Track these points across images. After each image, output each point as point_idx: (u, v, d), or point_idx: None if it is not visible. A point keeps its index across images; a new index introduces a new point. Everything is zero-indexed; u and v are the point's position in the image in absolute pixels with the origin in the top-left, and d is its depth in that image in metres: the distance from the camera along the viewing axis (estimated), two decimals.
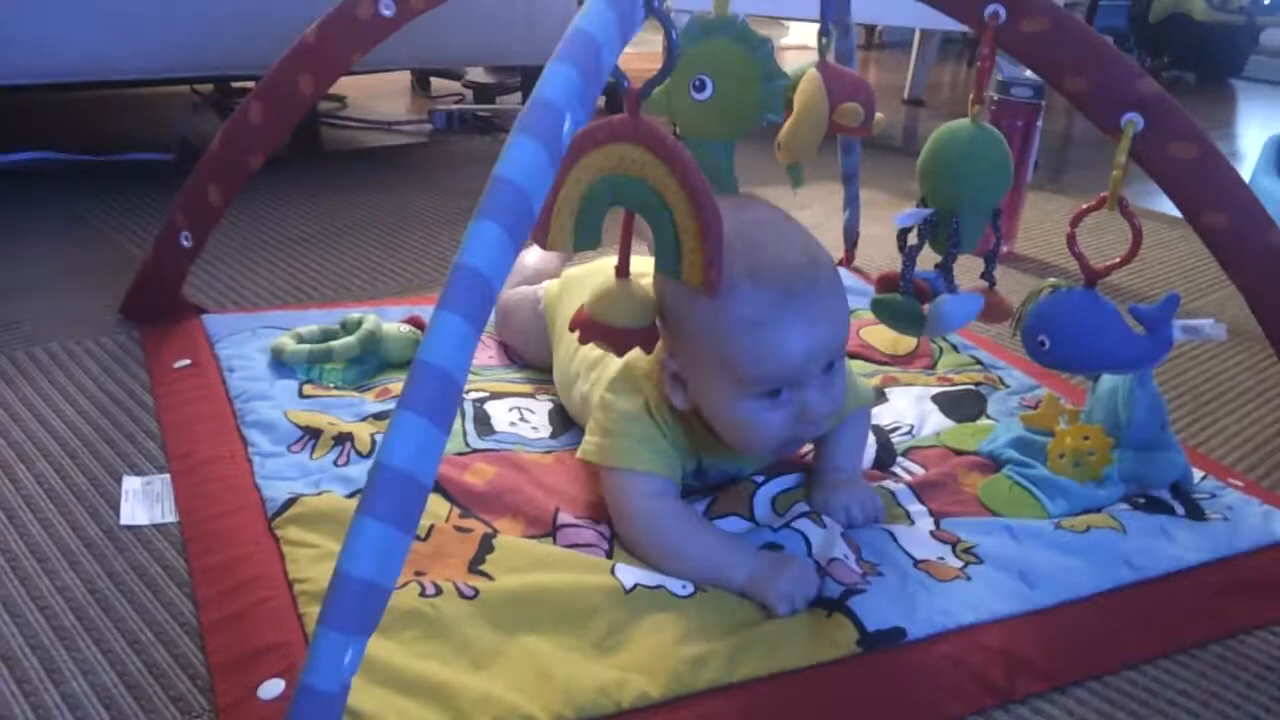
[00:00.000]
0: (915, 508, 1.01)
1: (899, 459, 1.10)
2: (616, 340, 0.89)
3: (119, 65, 1.68)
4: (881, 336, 1.34)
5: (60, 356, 1.19)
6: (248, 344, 1.19)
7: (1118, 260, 0.98)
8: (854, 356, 1.31)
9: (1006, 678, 0.81)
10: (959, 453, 1.11)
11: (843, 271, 1.57)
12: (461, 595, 0.81)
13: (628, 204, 0.84)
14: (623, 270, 0.89)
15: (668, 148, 0.80)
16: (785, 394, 0.88)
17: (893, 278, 1.05)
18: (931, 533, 0.97)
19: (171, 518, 0.92)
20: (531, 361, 1.21)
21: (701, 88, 0.94)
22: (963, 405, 1.21)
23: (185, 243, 1.23)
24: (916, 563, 0.92)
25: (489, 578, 0.84)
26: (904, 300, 1.03)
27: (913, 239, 1.03)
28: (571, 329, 0.91)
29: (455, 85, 2.69)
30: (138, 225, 1.61)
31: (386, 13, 1.17)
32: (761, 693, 0.77)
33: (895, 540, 0.95)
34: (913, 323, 1.04)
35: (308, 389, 1.11)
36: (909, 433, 1.15)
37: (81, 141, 1.94)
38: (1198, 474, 1.09)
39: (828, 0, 1.06)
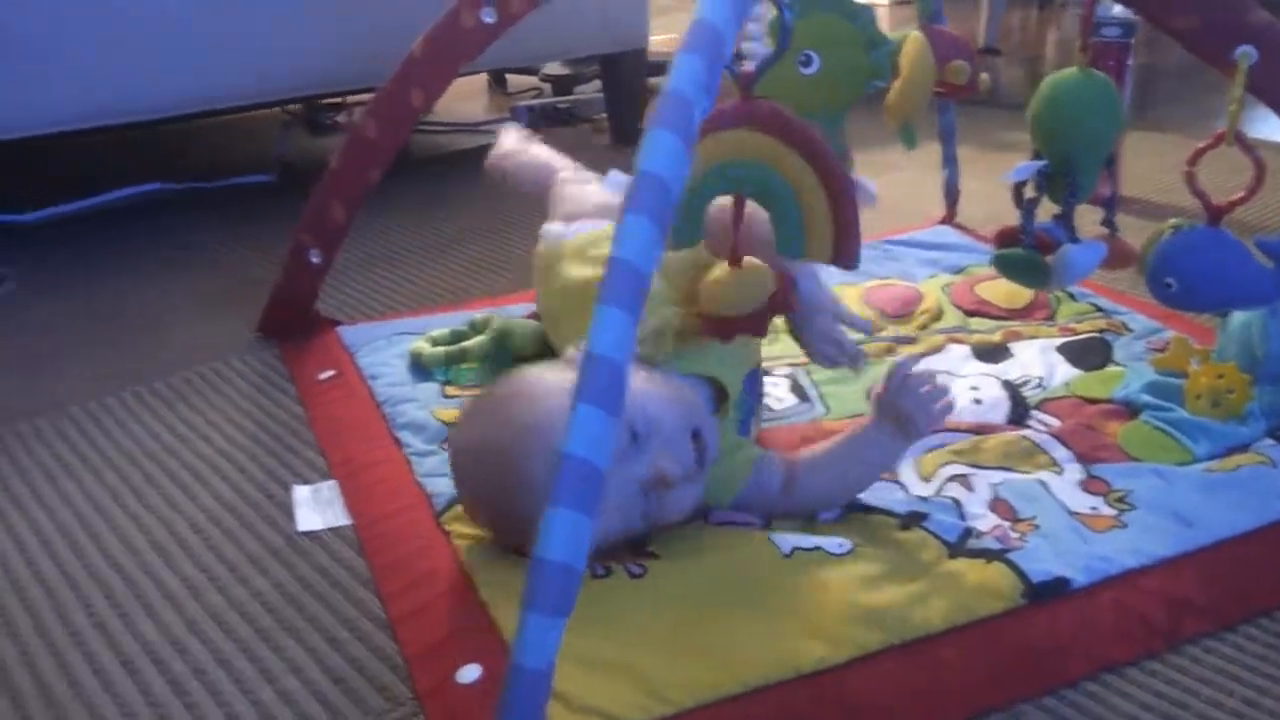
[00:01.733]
0: (1061, 453, 1.02)
1: (1032, 412, 1.11)
2: (726, 328, 0.91)
3: (216, 95, 1.73)
4: (997, 291, 1.34)
5: (210, 378, 1.25)
6: (385, 351, 1.24)
7: (1242, 194, 0.98)
8: (972, 314, 1.31)
9: (1170, 620, 0.83)
10: (1092, 401, 1.11)
11: (948, 229, 1.58)
12: (631, 575, 0.84)
13: (745, 190, 0.86)
14: (736, 260, 0.91)
15: (792, 127, 0.83)
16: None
17: (1011, 232, 1.05)
18: (1081, 484, 0.98)
19: (344, 520, 0.97)
20: None
21: (808, 63, 0.94)
22: (1089, 354, 1.21)
23: (314, 260, 1.28)
24: (1073, 514, 0.93)
25: (655, 556, 0.87)
26: (1026, 254, 1.04)
27: (1029, 191, 1.04)
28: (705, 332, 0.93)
29: (532, 80, 2.72)
30: (250, 247, 1.67)
31: (489, 20, 1.21)
32: (936, 650, 0.79)
33: (1049, 491, 0.97)
34: (1037, 275, 1.04)
35: (449, 389, 1.16)
36: (1038, 385, 1.16)
37: (177, 171, 2.01)
38: None
39: None
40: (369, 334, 1.29)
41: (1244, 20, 0.93)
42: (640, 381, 0.85)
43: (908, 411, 0.91)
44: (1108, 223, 1.04)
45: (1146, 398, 1.09)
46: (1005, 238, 1.06)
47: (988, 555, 0.87)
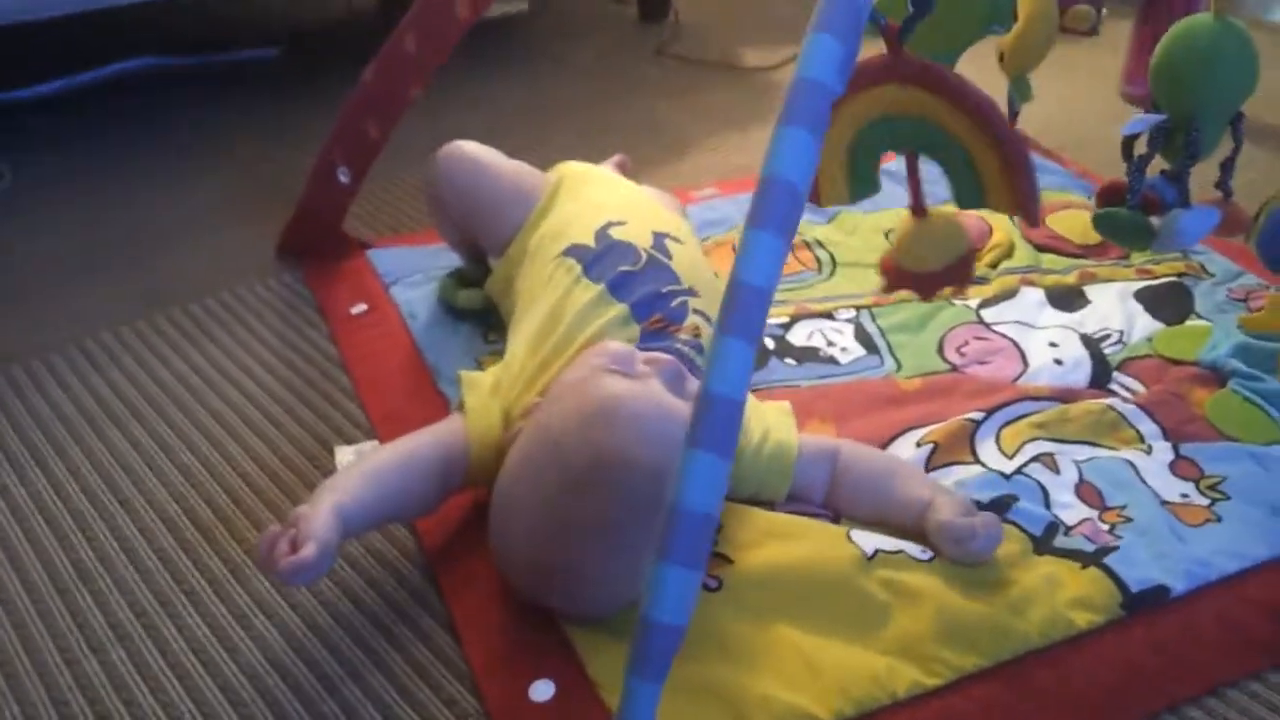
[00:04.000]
0: (1148, 427, 0.97)
1: (1115, 374, 1.04)
2: (926, 284, 0.87)
3: None
4: (1070, 224, 1.26)
5: (234, 307, 1.16)
6: (423, 287, 1.15)
7: None
8: (1044, 249, 1.23)
9: (1276, 633, 0.79)
10: (1176, 363, 1.05)
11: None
12: (707, 589, 0.79)
13: (911, 145, 0.82)
14: (920, 210, 0.85)
15: (950, 85, 0.76)
16: None
17: (1118, 187, 0.97)
18: (1171, 465, 0.93)
19: None
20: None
21: (926, 6, 0.85)
22: (1169, 302, 1.14)
23: (343, 179, 1.19)
24: (1164, 503, 0.88)
25: (727, 560, 0.81)
26: (1131, 214, 0.95)
27: (1141, 147, 0.95)
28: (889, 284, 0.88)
29: None
30: (259, 133, 1.56)
31: None
32: (1033, 671, 0.75)
33: (1138, 473, 0.91)
34: (1141, 238, 0.96)
35: (492, 335, 1.08)
36: (1119, 341, 1.09)
37: (173, 46, 1.86)
38: None
39: None
40: (404, 261, 1.20)
41: None
42: None
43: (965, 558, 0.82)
44: (1222, 185, 0.96)
45: (1235, 363, 1.03)
46: (1110, 194, 0.98)
47: (1082, 558, 0.82)
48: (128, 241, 1.30)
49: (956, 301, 1.14)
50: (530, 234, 1.03)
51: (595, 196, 1.05)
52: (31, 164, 1.48)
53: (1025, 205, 0.77)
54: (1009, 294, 1.16)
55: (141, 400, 1.03)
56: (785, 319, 1.12)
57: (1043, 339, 1.09)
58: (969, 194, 0.80)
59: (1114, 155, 0.94)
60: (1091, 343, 1.09)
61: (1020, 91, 0.93)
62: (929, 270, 0.85)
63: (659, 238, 0.98)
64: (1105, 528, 0.86)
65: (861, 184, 0.82)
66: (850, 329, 1.11)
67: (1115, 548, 0.83)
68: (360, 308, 1.14)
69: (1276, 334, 1.03)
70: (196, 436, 0.98)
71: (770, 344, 1.09)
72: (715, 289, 0.95)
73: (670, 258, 0.96)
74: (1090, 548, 0.83)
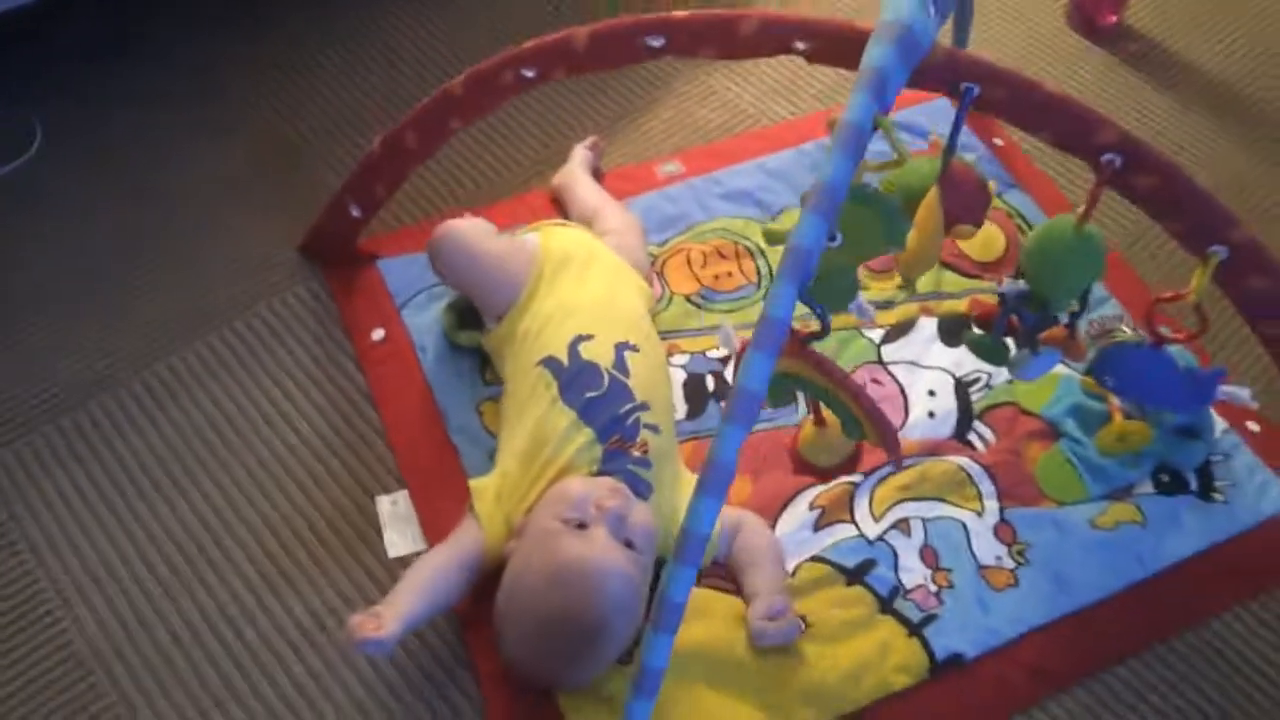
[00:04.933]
0: (987, 487, 1.30)
1: (974, 423, 1.35)
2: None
3: None
4: (973, 243, 1.48)
5: (274, 325, 1.40)
6: (426, 311, 1.40)
7: (1182, 337, 1.16)
8: (947, 265, 1.48)
9: (1029, 686, 1.17)
10: (1026, 413, 1.35)
11: None
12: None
13: (805, 391, 1.10)
14: (820, 421, 1.17)
15: (826, 366, 1.04)
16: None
17: (989, 315, 1.21)
18: (995, 528, 1.26)
19: (423, 544, 1.23)
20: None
21: (833, 238, 1.05)
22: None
23: (355, 214, 1.39)
24: (980, 568, 1.23)
25: None
26: (994, 345, 1.22)
27: (1010, 296, 1.19)
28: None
29: None
30: (266, 64, 1.68)
31: None
32: None
33: (967, 536, 1.25)
34: (1000, 361, 1.23)
35: (488, 375, 1.35)
36: (986, 385, 1.38)
37: None
38: (1220, 425, 1.34)
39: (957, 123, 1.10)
40: (410, 276, 1.42)
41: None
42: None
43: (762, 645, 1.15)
44: (1070, 327, 1.20)
45: (1069, 424, 1.33)
46: (982, 319, 1.23)
47: (909, 626, 1.18)
48: (163, 231, 1.50)
49: (865, 333, 1.41)
50: (517, 321, 1.28)
51: (569, 298, 1.28)
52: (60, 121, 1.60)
53: (885, 445, 1.05)
54: (908, 325, 1.43)
55: (179, 438, 1.30)
56: (726, 353, 1.39)
57: (924, 387, 1.38)
58: (850, 426, 1.08)
59: None
60: (962, 389, 1.38)
61: (907, 288, 1.14)
62: (823, 465, 1.15)
63: (620, 352, 1.24)
64: (934, 590, 1.22)
65: (780, 397, 1.13)
66: None
67: (935, 616, 1.19)
68: (379, 334, 1.39)
69: (1103, 396, 1.33)
70: (243, 477, 1.27)
71: (710, 384, 1.37)
72: (664, 395, 1.26)
73: (628, 375, 1.22)
74: (918, 616, 1.19)
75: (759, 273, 1.48)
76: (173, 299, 1.43)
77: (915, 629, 1.19)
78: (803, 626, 1.16)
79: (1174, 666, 1.19)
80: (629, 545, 1.10)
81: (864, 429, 1.07)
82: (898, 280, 1.46)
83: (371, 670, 1.15)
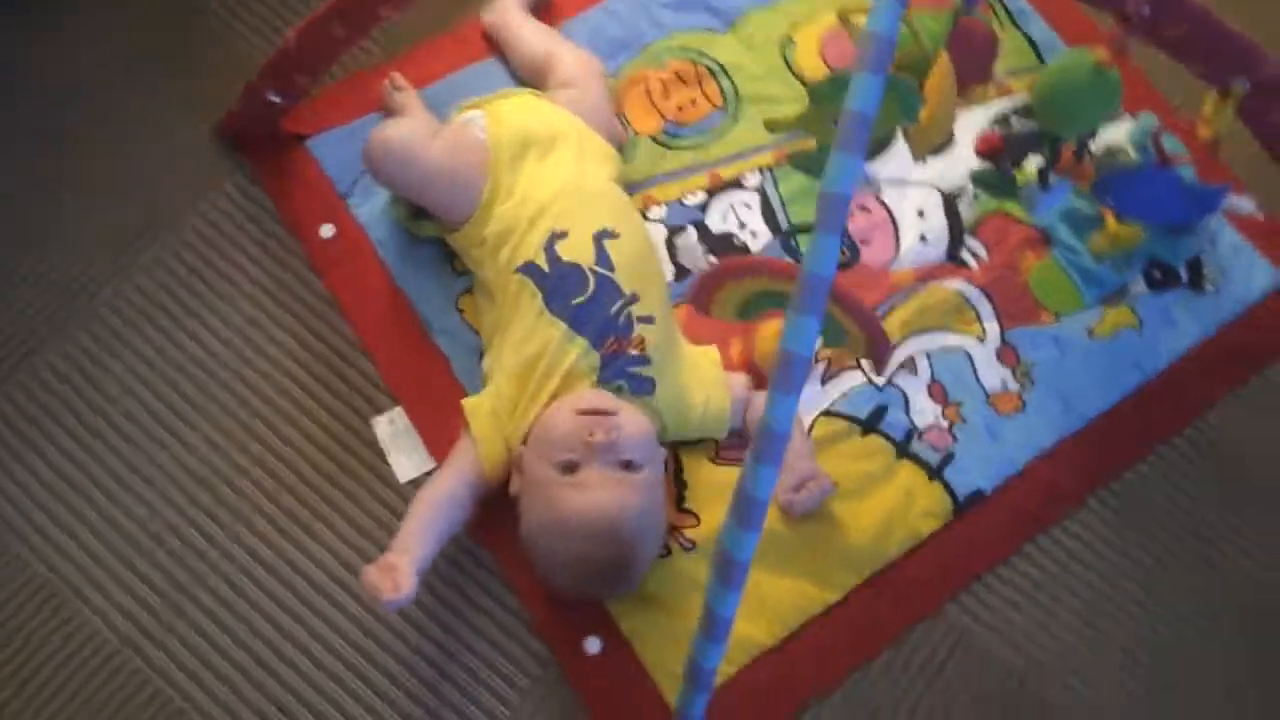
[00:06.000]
0: (986, 309, 1.29)
1: (966, 239, 1.31)
2: None
3: None
4: None
5: (216, 242, 1.27)
6: (375, 196, 1.27)
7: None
8: None
9: (1044, 506, 1.22)
10: (1017, 221, 1.32)
11: None
12: (685, 549, 1.15)
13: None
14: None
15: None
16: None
17: (995, 148, 1.15)
18: (998, 351, 1.27)
19: (430, 464, 1.19)
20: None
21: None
22: (1022, 141, 1.34)
23: (274, 99, 1.22)
24: (987, 396, 1.24)
25: (695, 517, 1.17)
26: (1001, 179, 1.16)
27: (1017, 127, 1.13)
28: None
29: None
30: None
31: None
32: (883, 571, 1.17)
33: (972, 365, 1.26)
34: (1010, 195, 1.18)
35: (459, 264, 1.25)
36: (973, 195, 1.33)
37: None
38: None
39: None
40: (347, 156, 1.27)
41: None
42: None
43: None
44: (1078, 152, 1.15)
45: (1062, 229, 1.30)
46: (987, 151, 1.16)
47: (929, 470, 1.21)
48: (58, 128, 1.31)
49: None
50: (481, 225, 1.17)
51: (534, 191, 1.17)
52: None
53: (873, 356, 1.04)
54: (887, 140, 1.34)
55: (150, 371, 1.21)
56: (703, 197, 1.31)
57: (912, 208, 1.32)
58: (831, 334, 1.06)
59: None
60: (950, 204, 1.32)
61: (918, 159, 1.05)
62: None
63: (599, 244, 1.15)
64: (946, 426, 1.23)
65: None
66: (757, 200, 1.32)
67: (952, 455, 1.21)
68: (329, 230, 1.27)
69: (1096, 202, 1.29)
70: (233, 403, 1.20)
71: (693, 233, 1.29)
72: (653, 275, 1.20)
73: (613, 269, 1.14)
74: (935, 459, 1.21)
75: (724, 95, 1.37)
76: (88, 228, 1.28)
77: (935, 472, 1.21)
78: (834, 488, 1.17)
79: (1175, 464, 1.24)
80: (628, 465, 1.07)
81: (849, 338, 1.03)
82: None
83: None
